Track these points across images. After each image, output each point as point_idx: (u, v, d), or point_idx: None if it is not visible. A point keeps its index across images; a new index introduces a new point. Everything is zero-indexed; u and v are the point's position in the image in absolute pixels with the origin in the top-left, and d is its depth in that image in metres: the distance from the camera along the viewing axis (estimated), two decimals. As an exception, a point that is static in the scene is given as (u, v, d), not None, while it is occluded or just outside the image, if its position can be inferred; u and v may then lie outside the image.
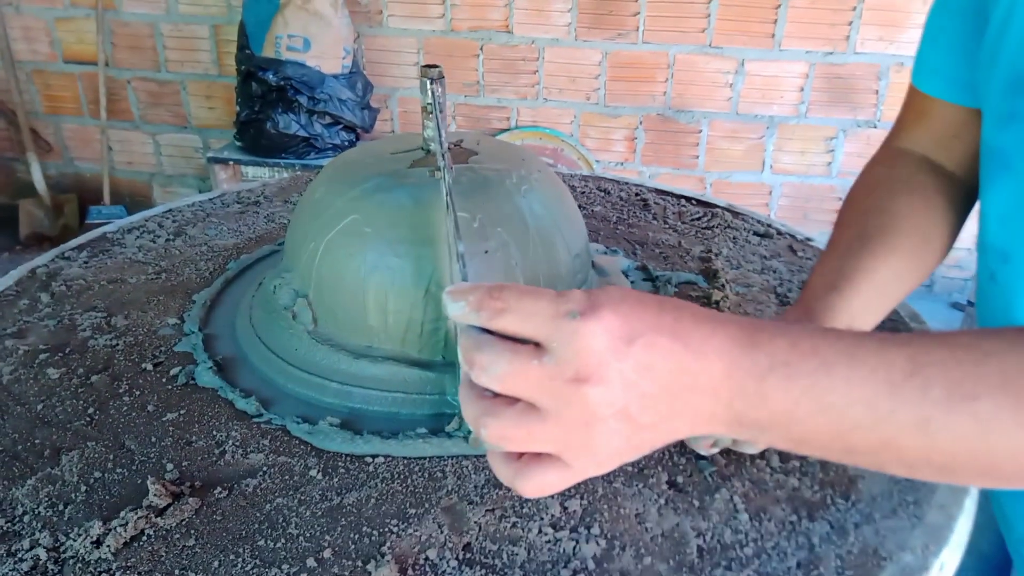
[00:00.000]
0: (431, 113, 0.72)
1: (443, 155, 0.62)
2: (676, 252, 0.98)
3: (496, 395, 0.40)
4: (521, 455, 0.41)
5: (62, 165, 3.17)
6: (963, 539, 0.56)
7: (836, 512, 0.57)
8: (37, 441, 0.63)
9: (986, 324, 0.68)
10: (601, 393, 0.37)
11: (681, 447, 0.63)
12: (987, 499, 0.72)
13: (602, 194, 1.16)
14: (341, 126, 2.51)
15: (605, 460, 0.40)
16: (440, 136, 0.65)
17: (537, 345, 0.38)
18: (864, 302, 0.65)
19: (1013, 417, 0.37)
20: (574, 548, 0.53)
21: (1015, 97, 0.59)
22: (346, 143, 2.54)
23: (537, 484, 0.40)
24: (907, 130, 0.74)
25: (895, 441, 0.39)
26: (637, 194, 1.16)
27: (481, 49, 2.65)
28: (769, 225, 1.04)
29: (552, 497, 0.57)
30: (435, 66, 0.72)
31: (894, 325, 0.80)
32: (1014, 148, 0.60)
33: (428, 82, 0.70)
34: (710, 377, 0.39)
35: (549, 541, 0.54)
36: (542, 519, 0.55)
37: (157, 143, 3.05)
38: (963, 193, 0.71)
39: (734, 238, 1.01)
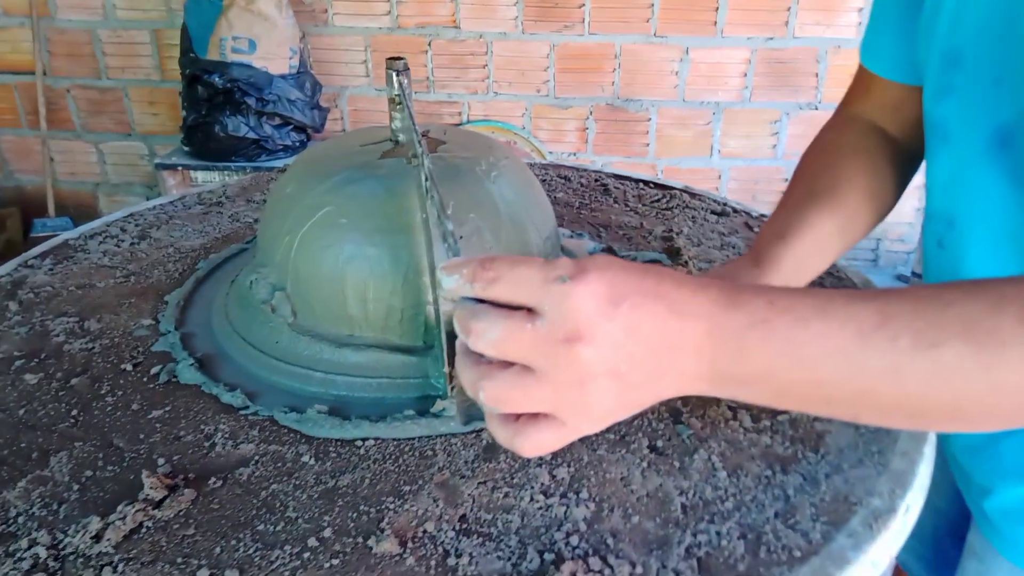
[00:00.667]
0: (399, 104, 0.74)
1: (418, 141, 0.63)
2: (639, 233, 1.01)
3: (492, 361, 0.42)
4: (518, 417, 0.43)
5: (2, 179, 3.08)
6: (925, 482, 0.60)
7: (807, 465, 0.60)
8: (23, 445, 0.63)
9: None
10: (592, 352, 0.40)
11: (659, 414, 0.66)
12: (943, 456, 0.76)
13: (563, 181, 1.19)
14: (291, 127, 2.50)
15: (598, 418, 0.43)
16: (412, 123, 0.66)
17: (529, 311, 0.41)
18: (808, 252, 0.70)
19: (974, 362, 0.39)
20: (565, 512, 0.56)
21: (949, 71, 0.64)
22: (297, 144, 2.52)
23: (535, 443, 0.42)
24: (856, 100, 0.80)
25: (869, 390, 0.41)
26: (597, 180, 1.19)
27: (429, 45, 2.65)
28: (725, 204, 1.08)
29: (540, 466, 0.60)
30: (400, 58, 0.74)
31: (842, 285, 0.84)
32: (951, 120, 0.65)
33: (395, 74, 0.71)
34: (693, 336, 0.41)
35: (541, 507, 0.56)
36: (533, 487, 0.58)
37: (101, 152, 2.99)
38: (907, 157, 0.77)
39: (693, 217, 1.04)
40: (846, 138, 0.77)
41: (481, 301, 0.42)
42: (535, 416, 0.42)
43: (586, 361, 0.40)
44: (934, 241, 0.70)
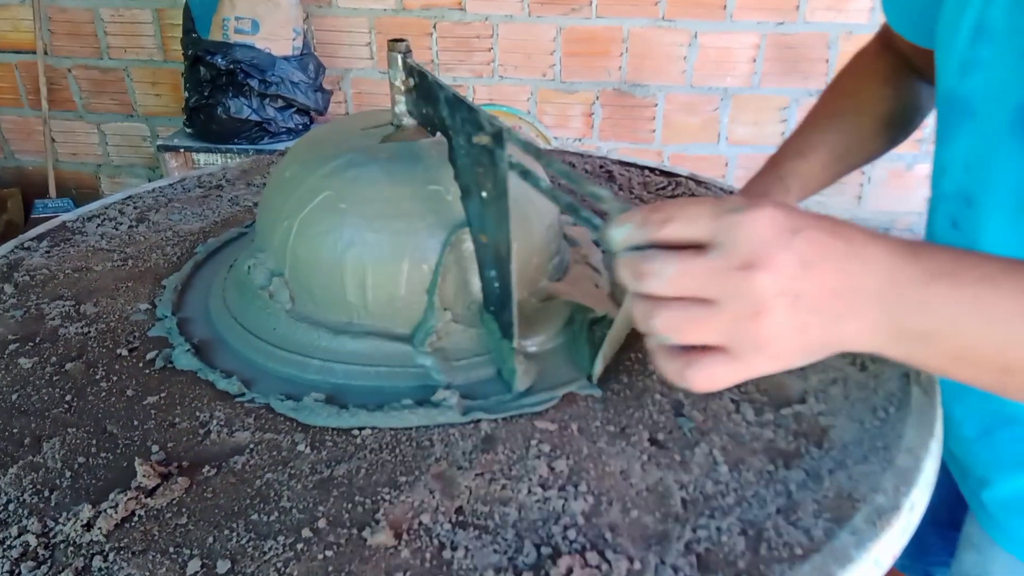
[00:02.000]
0: (411, 89, 0.72)
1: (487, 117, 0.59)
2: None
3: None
4: (689, 352, 0.42)
5: (3, 159, 3.07)
6: (931, 479, 0.59)
7: (811, 460, 0.59)
8: (15, 430, 0.62)
9: None
10: (768, 280, 0.39)
11: (660, 406, 0.65)
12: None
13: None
14: (294, 109, 2.48)
15: (774, 354, 0.42)
16: (456, 96, 0.63)
17: (702, 248, 0.40)
18: (821, 167, 0.77)
19: None
20: (563, 505, 0.55)
21: (977, 45, 0.62)
22: (300, 126, 2.51)
23: (707, 376, 0.42)
24: (891, 33, 0.82)
25: None
26: (601, 166, 1.17)
27: (434, 27, 2.63)
28: (732, 191, 1.07)
29: (539, 458, 0.59)
30: (402, 40, 0.72)
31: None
32: (976, 95, 0.63)
33: (400, 57, 0.70)
34: (874, 281, 0.40)
35: (539, 500, 0.55)
36: (531, 480, 0.57)
37: (102, 133, 2.97)
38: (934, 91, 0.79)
39: (698, 205, 1.03)
40: (877, 67, 0.82)
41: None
42: (707, 349, 0.42)
43: (762, 289, 0.39)
44: (947, 222, 0.69)
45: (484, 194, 0.63)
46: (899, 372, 0.68)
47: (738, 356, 0.41)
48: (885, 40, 0.84)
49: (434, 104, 0.67)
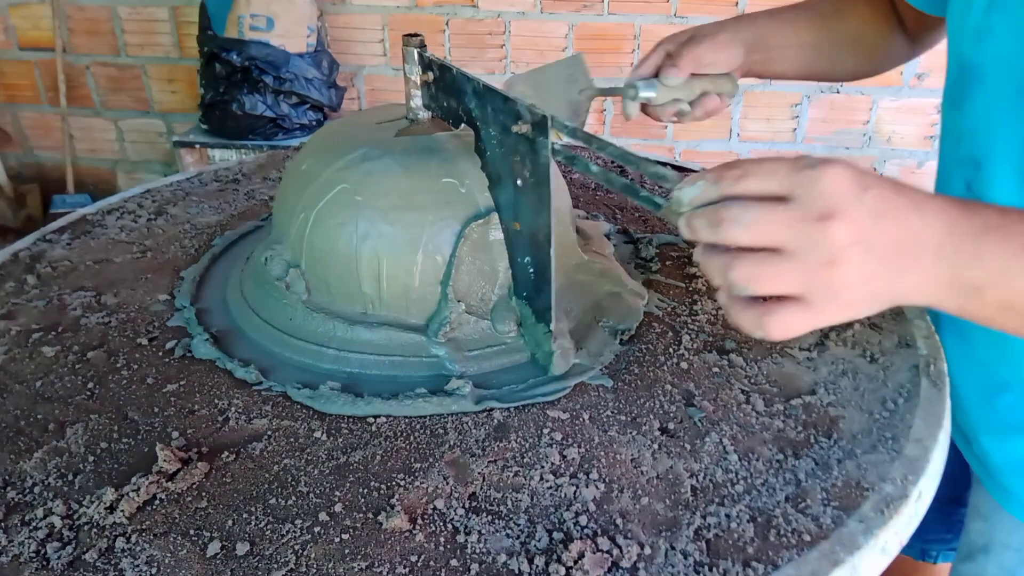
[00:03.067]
0: (430, 82, 0.73)
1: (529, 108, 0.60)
2: (654, 215, 1.00)
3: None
4: (764, 302, 0.44)
5: (22, 155, 3.10)
6: (938, 468, 0.60)
7: (820, 450, 0.60)
8: (40, 416, 0.64)
9: None
10: (843, 230, 0.42)
11: (671, 396, 0.65)
12: None
13: (579, 162, 1.18)
14: (308, 106, 2.49)
15: (846, 303, 0.44)
16: (486, 85, 0.65)
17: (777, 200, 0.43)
18: (781, 38, 0.83)
19: None
20: (575, 492, 0.56)
21: (993, 12, 0.64)
22: (314, 123, 2.52)
23: (783, 324, 0.44)
24: None
25: None
26: (613, 161, 1.18)
27: (447, 24, 2.64)
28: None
29: (551, 446, 0.60)
30: (416, 34, 0.73)
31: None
32: (989, 61, 0.65)
33: (415, 52, 0.71)
34: (933, 234, 0.44)
35: (551, 487, 0.56)
36: (543, 467, 0.58)
37: (120, 129, 3.00)
38: (907, 51, 0.88)
39: (709, 200, 1.03)
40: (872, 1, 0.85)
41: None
42: (783, 299, 0.44)
43: (838, 239, 0.42)
44: (963, 186, 0.71)
45: (519, 182, 0.64)
46: (909, 364, 0.69)
47: (813, 304, 0.44)
48: None
49: (459, 96, 0.69)
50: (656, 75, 0.80)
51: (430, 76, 0.73)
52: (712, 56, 0.79)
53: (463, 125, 0.71)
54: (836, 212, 0.42)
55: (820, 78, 0.89)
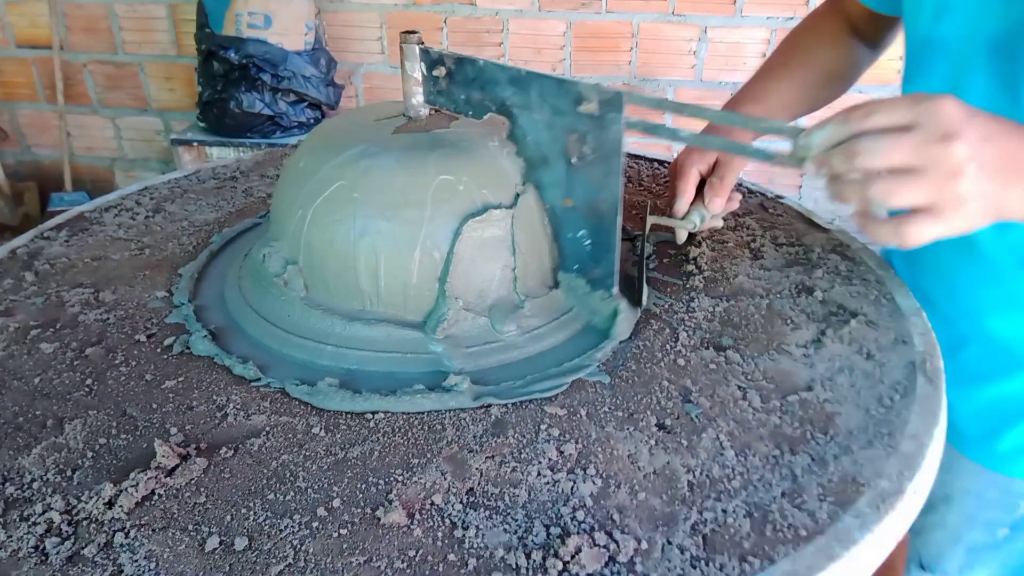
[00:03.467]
0: (443, 76, 0.74)
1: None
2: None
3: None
4: (898, 216, 0.52)
5: (19, 153, 3.10)
6: (934, 465, 0.60)
7: (816, 446, 0.60)
8: (38, 412, 0.64)
9: None
10: (963, 147, 0.50)
11: (668, 392, 0.66)
12: None
13: (576, 160, 1.18)
14: (306, 103, 2.49)
15: (967, 212, 0.52)
16: (529, 71, 0.69)
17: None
18: (772, 113, 0.88)
19: None
20: (572, 488, 0.56)
21: None
22: (311, 120, 2.52)
23: (917, 231, 0.52)
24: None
25: None
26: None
27: (445, 22, 2.64)
28: (740, 184, 1.07)
29: (548, 442, 0.60)
30: (414, 32, 0.73)
31: (855, 267, 0.84)
32: (951, 35, 0.73)
33: (416, 48, 0.71)
34: None
35: (548, 482, 0.56)
36: (540, 463, 0.58)
37: (117, 127, 3.00)
38: (871, 57, 0.95)
39: (707, 198, 1.04)
40: (827, 27, 0.93)
41: None
42: (914, 211, 0.52)
43: (958, 155, 0.50)
44: None
45: (574, 159, 0.68)
46: (905, 361, 0.69)
47: (940, 214, 0.52)
48: (836, 3, 0.93)
49: (487, 86, 0.71)
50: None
51: (442, 71, 0.73)
52: (737, 176, 0.86)
53: (487, 115, 0.73)
54: (955, 134, 0.50)
55: (810, 113, 0.94)
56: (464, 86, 0.73)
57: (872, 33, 0.92)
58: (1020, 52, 0.67)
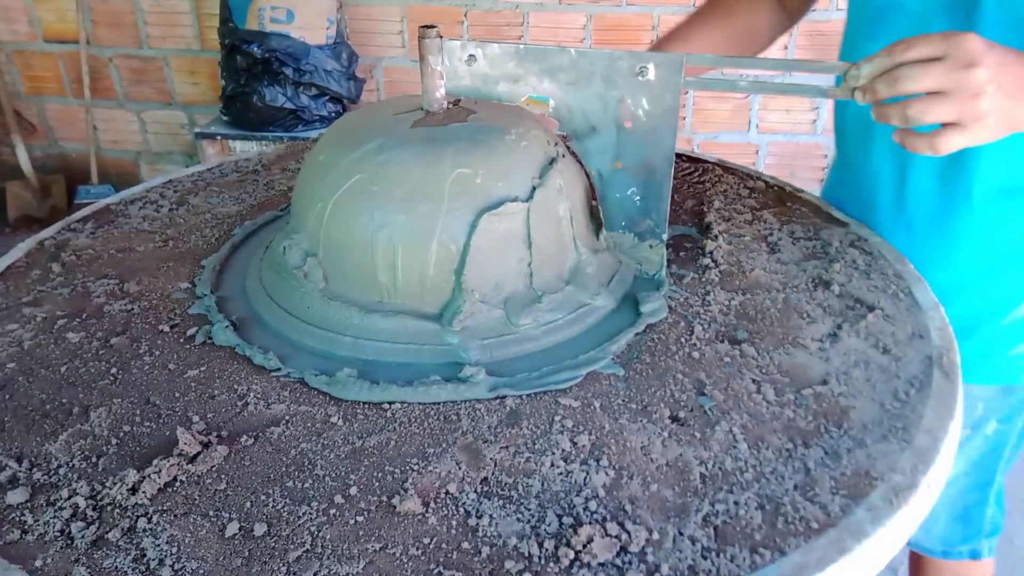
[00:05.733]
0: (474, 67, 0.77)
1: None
2: (670, 206, 1.00)
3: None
4: (932, 131, 0.65)
5: (47, 146, 3.15)
6: (948, 459, 0.60)
7: (830, 439, 0.60)
8: (65, 400, 0.65)
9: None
10: (983, 72, 0.61)
11: (682, 385, 0.66)
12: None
13: (594, 153, 1.18)
14: (327, 97, 2.51)
15: (987, 124, 0.63)
16: (580, 49, 0.75)
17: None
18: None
19: None
20: (585, 478, 0.56)
21: None
22: (333, 114, 2.54)
23: (947, 141, 0.64)
24: None
25: None
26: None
27: (465, 15, 2.64)
28: (759, 178, 1.07)
29: (562, 433, 0.61)
30: (432, 26, 0.74)
31: (872, 260, 0.83)
32: None
33: (437, 41, 0.72)
34: None
35: (561, 473, 0.57)
36: (554, 454, 0.59)
37: (142, 120, 3.03)
38: (786, 25, 1.05)
39: (724, 191, 1.04)
40: None
41: None
42: (945, 126, 0.64)
43: (980, 79, 0.61)
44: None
45: (628, 124, 0.76)
46: (922, 356, 0.69)
47: (966, 127, 0.63)
48: None
49: (530, 70, 0.77)
50: None
51: (472, 62, 0.77)
52: None
53: (524, 98, 0.78)
54: (977, 62, 0.61)
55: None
56: (501, 73, 0.78)
57: (793, 3, 1.03)
58: (975, 10, 0.77)
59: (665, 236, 0.81)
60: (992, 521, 1.05)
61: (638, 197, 0.80)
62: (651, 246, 0.82)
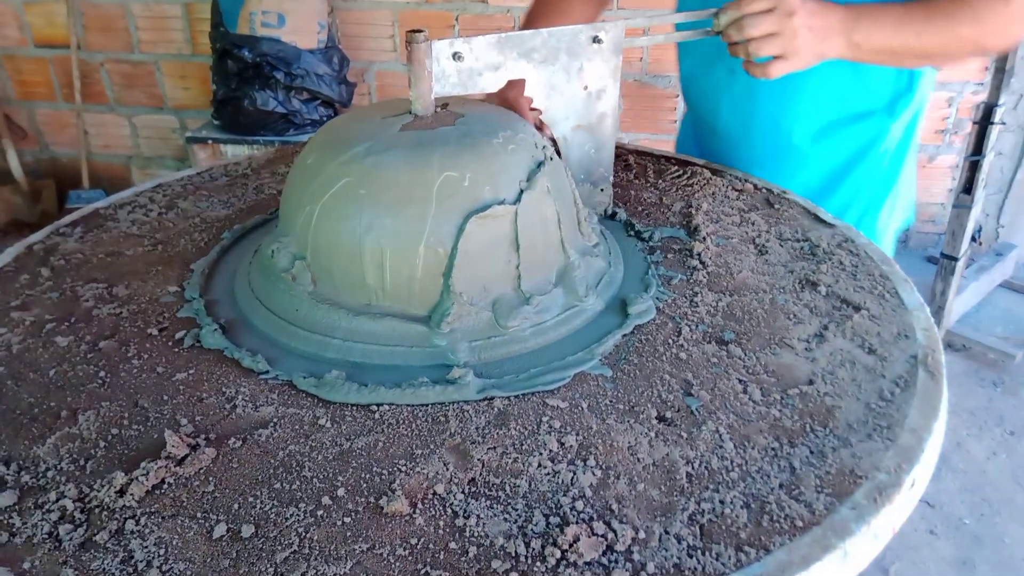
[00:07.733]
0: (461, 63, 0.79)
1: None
2: (658, 209, 1.01)
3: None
4: (765, 62, 0.87)
5: (38, 151, 3.14)
6: (933, 458, 0.60)
7: (815, 439, 0.61)
8: (53, 403, 0.65)
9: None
10: (799, 19, 0.84)
11: (669, 385, 0.66)
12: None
13: (584, 156, 1.19)
14: (319, 101, 2.51)
15: (803, 57, 0.86)
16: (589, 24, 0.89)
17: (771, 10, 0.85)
18: (571, 20, 1.10)
19: (938, 34, 0.89)
20: (572, 478, 0.57)
21: None
22: (324, 118, 2.54)
23: (776, 68, 0.87)
24: None
25: (918, 47, 0.89)
26: (618, 155, 1.18)
27: (456, 20, 2.65)
28: (746, 180, 1.08)
29: (550, 434, 0.61)
30: (420, 30, 0.75)
31: (861, 263, 0.84)
32: None
33: (427, 44, 0.72)
34: (840, 21, 0.87)
35: (548, 473, 0.57)
36: (541, 454, 0.59)
37: (133, 125, 3.03)
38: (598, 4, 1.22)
39: (713, 194, 1.04)
40: None
41: None
42: (775, 59, 0.86)
43: (796, 23, 0.84)
44: (726, 72, 1.10)
45: (586, 87, 0.91)
46: (907, 355, 0.70)
47: (788, 59, 0.86)
48: None
49: (511, 55, 0.85)
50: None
51: (459, 59, 0.81)
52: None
53: (507, 80, 0.86)
54: (794, 12, 0.83)
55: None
56: (486, 63, 0.84)
57: None
58: None
59: (611, 178, 0.98)
60: None
61: (593, 150, 0.95)
62: (602, 189, 0.98)
